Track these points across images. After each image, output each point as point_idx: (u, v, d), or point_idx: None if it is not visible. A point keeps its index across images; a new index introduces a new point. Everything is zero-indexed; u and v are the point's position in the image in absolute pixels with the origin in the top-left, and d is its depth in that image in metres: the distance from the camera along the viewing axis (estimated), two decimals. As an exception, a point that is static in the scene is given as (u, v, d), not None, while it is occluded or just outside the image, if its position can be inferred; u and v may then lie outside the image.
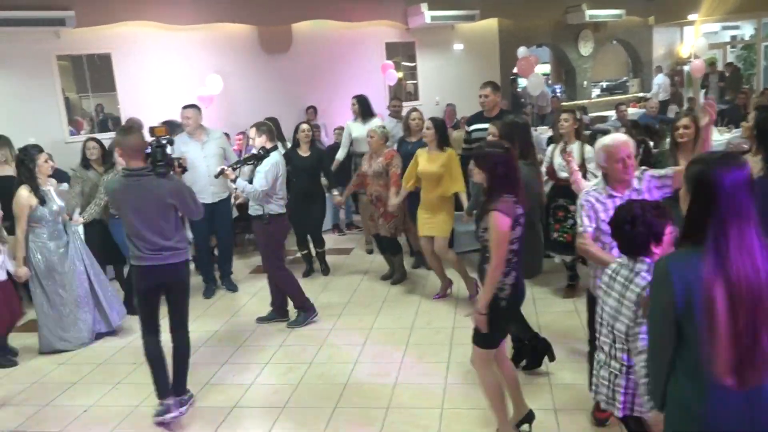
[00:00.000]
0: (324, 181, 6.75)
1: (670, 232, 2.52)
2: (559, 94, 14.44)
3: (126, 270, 6.07)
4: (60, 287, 5.12)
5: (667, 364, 1.94)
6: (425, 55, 11.90)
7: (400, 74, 11.29)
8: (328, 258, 6.92)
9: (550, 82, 15.58)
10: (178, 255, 3.88)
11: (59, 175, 7.21)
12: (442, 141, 5.51)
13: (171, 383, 3.96)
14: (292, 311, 5.52)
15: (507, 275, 3.17)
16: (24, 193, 4.87)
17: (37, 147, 5.14)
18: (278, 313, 5.51)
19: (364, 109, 7.41)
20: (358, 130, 7.32)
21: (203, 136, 6.11)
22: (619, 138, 3.22)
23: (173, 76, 9.04)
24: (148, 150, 3.76)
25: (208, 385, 4.43)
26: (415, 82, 12.03)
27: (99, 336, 5.38)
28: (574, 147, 5.25)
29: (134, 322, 5.55)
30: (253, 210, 5.23)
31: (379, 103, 10.97)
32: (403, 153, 6.17)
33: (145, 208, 3.77)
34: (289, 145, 7.07)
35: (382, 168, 5.95)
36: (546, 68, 16.37)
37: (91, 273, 5.31)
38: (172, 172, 3.86)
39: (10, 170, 5.74)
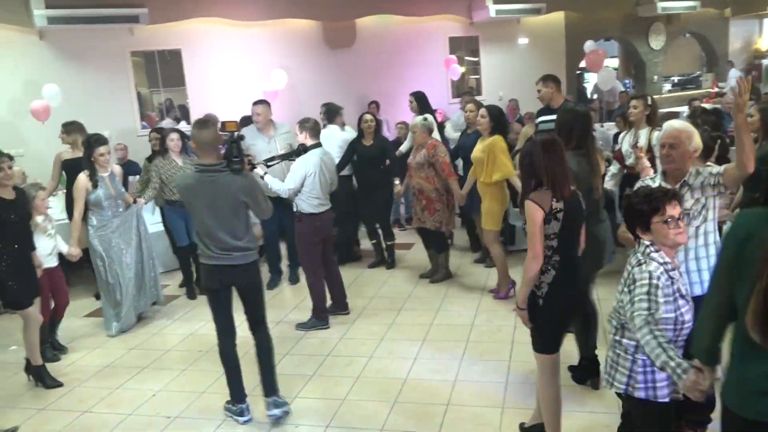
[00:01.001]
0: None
1: (664, 219, 2.48)
2: (628, 89, 14.00)
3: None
4: (114, 270, 5.40)
5: (721, 318, 2.12)
6: (489, 50, 11.76)
7: (463, 69, 11.18)
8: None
9: (618, 76, 15.13)
10: (248, 256, 3.79)
11: (130, 167, 7.50)
12: (497, 129, 5.48)
13: (262, 384, 3.91)
14: (354, 306, 5.56)
15: (544, 273, 3.06)
16: (82, 177, 5.26)
17: (99, 139, 5.36)
18: (338, 306, 5.53)
19: (421, 105, 7.42)
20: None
21: (271, 131, 6.20)
22: (672, 124, 3.17)
23: (239, 72, 9.23)
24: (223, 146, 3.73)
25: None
26: (477, 77, 11.90)
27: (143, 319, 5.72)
28: (643, 132, 5.17)
29: (197, 311, 5.72)
30: (293, 205, 5.26)
31: (442, 98, 10.93)
32: (461, 144, 6.53)
33: (218, 205, 3.67)
34: (347, 129, 7.16)
35: (425, 159, 5.91)
36: (614, 63, 15.89)
37: (145, 257, 5.66)
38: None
39: (80, 154, 5.93)
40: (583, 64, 12.07)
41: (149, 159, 6.67)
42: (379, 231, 6.85)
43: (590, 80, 14.58)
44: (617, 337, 2.66)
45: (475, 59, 11.84)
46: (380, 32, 10.48)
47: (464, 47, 11.69)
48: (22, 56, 7.85)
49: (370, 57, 10.35)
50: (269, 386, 3.89)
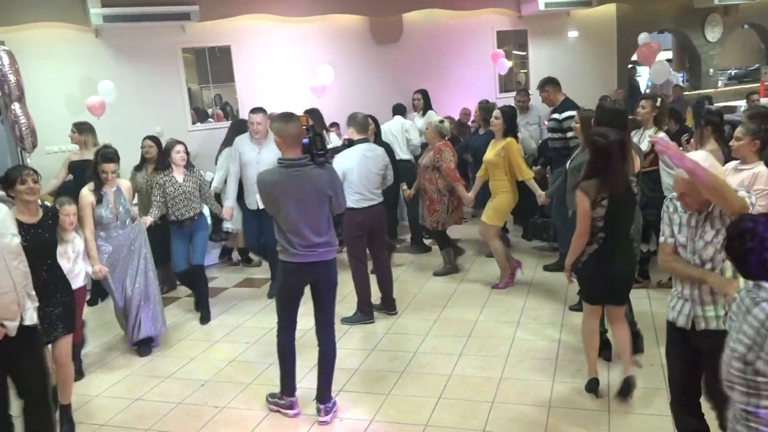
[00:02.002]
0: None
1: None
2: (682, 83, 13.61)
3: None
4: (117, 288, 4.96)
5: None
6: (537, 44, 11.57)
7: (511, 63, 11.03)
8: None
9: (672, 70, 14.70)
10: (331, 252, 3.74)
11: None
12: (509, 130, 5.76)
13: (317, 387, 3.87)
14: (399, 303, 5.56)
15: (590, 244, 3.67)
16: (85, 191, 4.81)
17: (105, 154, 4.90)
18: (386, 306, 5.50)
19: (426, 103, 7.49)
20: (418, 123, 7.55)
21: (263, 141, 5.88)
22: (681, 173, 2.65)
23: (287, 67, 9.32)
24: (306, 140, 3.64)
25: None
26: (525, 71, 11.73)
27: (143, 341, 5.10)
28: (649, 133, 5.26)
29: (244, 303, 5.82)
30: None
31: (490, 93, 10.81)
32: (472, 144, 6.79)
33: (305, 200, 3.61)
34: (331, 134, 7.36)
35: (430, 162, 6.03)
36: (667, 56, 15.45)
37: (149, 277, 5.06)
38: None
39: (89, 155, 6.02)
40: (635, 57, 11.77)
41: (137, 168, 6.33)
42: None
43: (643, 74, 14.23)
44: (751, 408, 2.05)
45: (523, 53, 11.67)
46: (427, 27, 10.43)
47: (512, 41, 11.53)
48: (79, 54, 8.08)
49: (417, 52, 10.32)
50: (325, 392, 3.86)
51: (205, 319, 5.67)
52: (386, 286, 5.49)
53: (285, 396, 3.90)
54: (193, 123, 8.89)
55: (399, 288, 5.82)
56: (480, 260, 6.75)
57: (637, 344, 4.25)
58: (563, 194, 5.07)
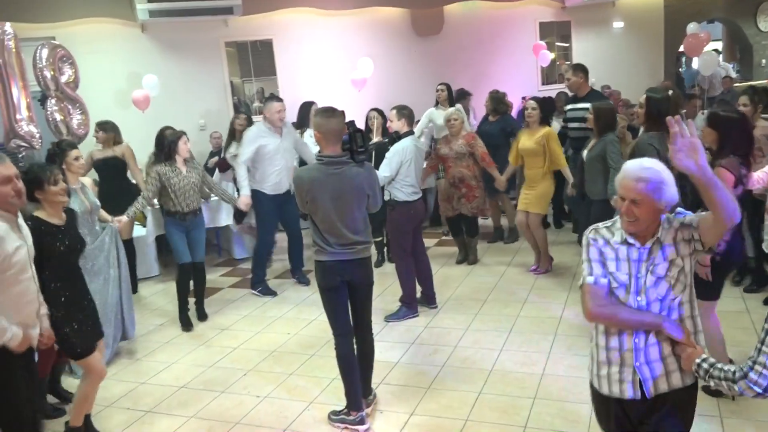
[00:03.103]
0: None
1: None
2: (732, 74, 13.18)
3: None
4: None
5: None
6: (581, 35, 11.37)
7: (553, 55, 10.86)
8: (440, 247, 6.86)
9: (721, 61, 14.25)
10: (367, 249, 3.68)
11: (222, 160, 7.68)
12: (545, 120, 6.01)
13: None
14: (440, 296, 5.54)
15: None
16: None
17: (70, 143, 4.71)
18: (427, 299, 5.48)
19: (450, 96, 7.55)
20: (443, 117, 7.33)
21: (283, 129, 6.01)
22: (631, 169, 2.20)
23: (328, 60, 9.36)
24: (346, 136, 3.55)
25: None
26: (568, 63, 11.52)
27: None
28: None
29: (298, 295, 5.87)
30: (386, 194, 5.17)
31: (531, 85, 10.69)
32: (485, 131, 6.90)
33: (344, 198, 3.52)
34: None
35: (465, 149, 6.14)
36: (717, 46, 14.97)
37: (123, 281, 4.78)
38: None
39: (111, 152, 6.30)
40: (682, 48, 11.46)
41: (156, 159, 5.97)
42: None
43: (687, 65, 13.84)
44: None
45: (566, 45, 11.48)
46: (468, 19, 10.34)
47: (555, 32, 11.36)
48: (126, 48, 8.27)
49: (458, 44, 10.25)
50: (364, 385, 3.82)
51: (203, 317, 5.62)
52: (426, 279, 5.47)
53: (353, 411, 3.69)
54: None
55: (439, 282, 5.80)
56: (522, 251, 6.68)
57: None
58: (580, 183, 5.32)
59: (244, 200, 5.90)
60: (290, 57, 9.25)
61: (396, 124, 5.21)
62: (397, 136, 5.15)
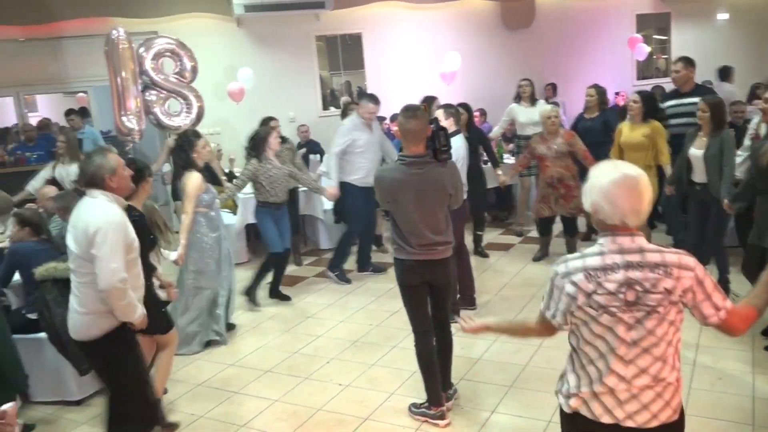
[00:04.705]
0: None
1: None
2: None
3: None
4: (204, 281, 4.91)
5: None
6: (681, 27, 10.83)
7: (650, 49, 10.41)
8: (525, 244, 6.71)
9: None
10: (448, 250, 3.64)
11: (312, 146, 7.92)
12: (648, 114, 5.67)
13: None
14: (523, 295, 5.45)
15: None
16: (198, 176, 4.75)
17: (195, 132, 5.11)
18: (465, 300, 5.33)
19: (533, 91, 7.39)
20: (526, 113, 7.24)
21: (373, 124, 6.22)
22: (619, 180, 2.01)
23: (416, 54, 9.37)
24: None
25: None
26: (666, 56, 11.03)
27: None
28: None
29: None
30: None
31: (625, 80, 10.30)
32: (587, 128, 6.56)
33: (426, 198, 3.47)
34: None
35: (565, 148, 6.02)
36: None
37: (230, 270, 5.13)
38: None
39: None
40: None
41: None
42: None
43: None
44: None
45: (664, 38, 10.98)
46: (561, 11, 10.08)
47: (653, 25, 10.88)
48: (223, 42, 8.59)
49: (549, 37, 10.01)
50: (445, 379, 3.84)
51: (286, 298, 5.89)
52: (468, 282, 5.35)
53: (433, 406, 3.70)
54: (324, 109, 9.19)
55: (523, 279, 5.72)
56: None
57: None
58: (678, 180, 5.16)
59: (331, 191, 6.02)
60: (378, 50, 9.32)
61: (444, 124, 5.14)
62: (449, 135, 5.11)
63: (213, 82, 8.35)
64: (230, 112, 8.25)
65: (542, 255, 6.53)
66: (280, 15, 8.48)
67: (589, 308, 2.01)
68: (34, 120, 9.37)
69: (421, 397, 3.83)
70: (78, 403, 4.24)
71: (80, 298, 2.96)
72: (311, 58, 9.13)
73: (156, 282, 3.84)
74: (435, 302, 3.72)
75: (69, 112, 8.26)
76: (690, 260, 2.01)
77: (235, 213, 6.96)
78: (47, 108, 10.74)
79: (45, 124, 9.37)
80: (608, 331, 2.01)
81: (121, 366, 3.08)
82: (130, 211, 3.39)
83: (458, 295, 5.21)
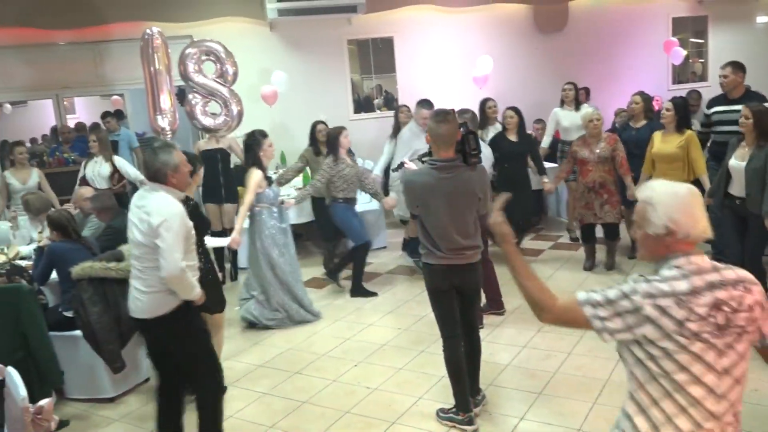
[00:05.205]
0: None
1: None
2: None
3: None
4: (271, 268, 5.33)
5: None
6: (719, 31, 10.60)
7: (686, 52, 10.22)
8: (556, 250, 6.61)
9: None
10: (478, 254, 3.63)
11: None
12: (682, 123, 5.51)
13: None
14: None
15: None
16: (259, 173, 5.17)
17: (261, 132, 5.35)
18: (493, 305, 5.29)
19: (577, 95, 7.29)
20: (569, 118, 7.14)
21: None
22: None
23: (447, 58, 9.34)
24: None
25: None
26: (702, 60, 10.81)
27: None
28: None
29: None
30: None
31: (661, 84, 10.13)
32: (632, 139, 6.18)
33: (455, 203, 3.48)
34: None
35: (608, 153, 5.92)
36: None
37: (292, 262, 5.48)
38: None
39: (216, 144, 6.74)
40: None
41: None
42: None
43: None
44: None
45: (701, 41, 10.76)
46: (595, 14, 9.94)
47: (689, 28, 10.68)
48: (256, 46, 8.66)
49: (583, 41, 9.88)
50: (473, 384, 3.83)
51: (372, 294, 6.05)
52: (493, 286, 5.28)
53: (461, 412, 3.68)
54: (355, 112, 9.22)
55: (553, 285, 5.63)
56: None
57: None
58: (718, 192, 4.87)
59: (389, 201, 6.14)
60: (410, 54, 9.31)
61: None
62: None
63: (247, 84, 8.43)
64: (262, 114, 8.31)
65: (591, 265, 6.32)
66: (313, 19, 8.53)
67: (681, 337, 1.80)
68: (72, 122, 9.61)
69: (449, 401, 3.81)
70: (111, 400, 4.33)
71: (146, 280, 3.20)
72: (343, 62, 9.16)
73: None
74: (463, 307, 3.70)
75: (105, 115, 8.43)
76: (750, 275, 1.90)
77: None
78: (84, 110, 10.99)
79: (81, 126, 9.66)
80: (697, 360, 1.82)
81: (190, 334, 3.33)
82: (186, 200, 3.56)
83: (484, 301, 5.14)
